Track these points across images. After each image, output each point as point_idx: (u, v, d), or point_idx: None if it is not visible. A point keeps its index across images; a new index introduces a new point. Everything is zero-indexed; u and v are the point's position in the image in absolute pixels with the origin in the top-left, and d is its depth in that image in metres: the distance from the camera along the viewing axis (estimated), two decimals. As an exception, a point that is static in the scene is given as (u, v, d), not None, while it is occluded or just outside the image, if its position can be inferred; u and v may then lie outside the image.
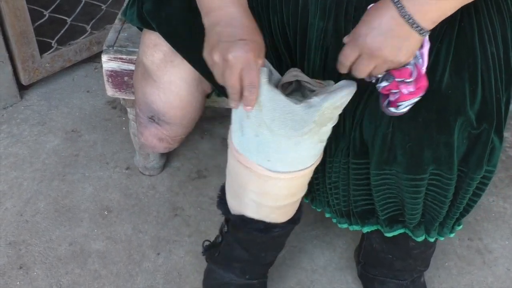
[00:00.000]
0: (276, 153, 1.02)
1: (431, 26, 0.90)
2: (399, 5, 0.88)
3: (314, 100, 0.95)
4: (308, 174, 1.09)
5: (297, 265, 1.47)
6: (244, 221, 1.16)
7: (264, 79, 0.93)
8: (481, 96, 1.01)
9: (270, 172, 1.05)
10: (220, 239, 1.27)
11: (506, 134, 1.80)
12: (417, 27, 0.89)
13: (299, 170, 1.06)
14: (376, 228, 1.22)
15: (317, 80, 1.02)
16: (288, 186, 1.10)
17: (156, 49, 1.11)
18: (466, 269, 1.49)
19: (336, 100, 0.96)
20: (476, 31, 1.00)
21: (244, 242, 1.22)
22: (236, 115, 1.03)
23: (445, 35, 1.00)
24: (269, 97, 0.94)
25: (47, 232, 1.52)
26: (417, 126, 1.02)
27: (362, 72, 0.95)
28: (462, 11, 1.00)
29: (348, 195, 1.17)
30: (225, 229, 1.22)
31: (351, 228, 1.24)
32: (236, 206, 1.16)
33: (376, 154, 1.06)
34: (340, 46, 1.02)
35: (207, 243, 1.34)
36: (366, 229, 1.23)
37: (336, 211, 1.23)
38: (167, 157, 1.70)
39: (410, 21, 0.88)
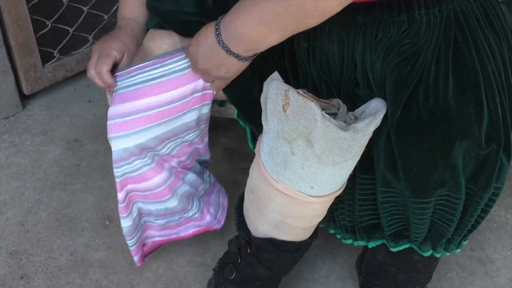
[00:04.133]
0: (320, 180, 1.03)
1: (247, 54, 1.00)
2: (217, 33, 0.99)
3: (360, 125, 0.97)
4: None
5: (298, 275, 1.46)
6: (274, 244, 1.17)
7: (319, 115, 0.94)
8: (488, 116, 1.01)
9: (312, 197, 1.06)
10: (239, 260, 1.26)
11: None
12: (232, 53, 0.99)
13: (336, 191, 1.08)
14: (381, 242, 1.22)
15: (323, 100, 1.02)
16: (324, 207, 1.12)
17: (169, 36, 1.14)
18: (468, 279, 1.48)
19: (378, 122, 0.99)
20: (473, 50, 0.99)
21: (268, 262, 1.22)
22: (277, 150, 1.03)
23: (440, 60, 0.99)
24: (323, 131, 0.96)
25: (48, 242, 1.52)
26: (422, 151, 1.01)
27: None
28: (455, 32, 0.99)
29: (353, 210, 1.17)
30: (248, 251, 1.22)
31: (356, 243, 1.24)
32: (263, 229, 1.16)
33: (382, 173, 1.06)
34: (329, 64, 1.03)
35: (216, 264, 1.34)
36: (371, 244, 1.22)
37: (341, 227, 1.22)
38: (169, 167, 1.70)
39: (226, 48, 0.99)
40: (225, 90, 1.14)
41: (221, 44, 0.99)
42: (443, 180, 1.04)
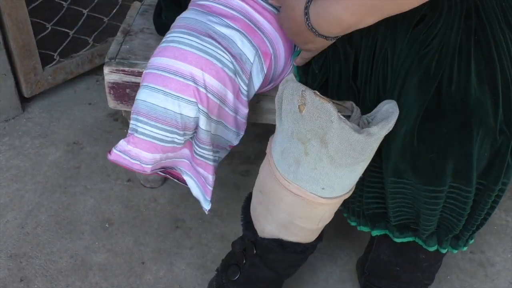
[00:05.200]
0: (331, 182, 1.03)
1: (336, 35, 1.02)
2: (306, 17, 1.00)
3: (374, 129, 0.97)
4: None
5: (299, 278, 1.46)
6: (281, 244, 1.17)
7: (335, 116, 0.95)
8: (502, 109, 1.02)
9: (322, 199, 1.06)
10: (243, 260, 1.25)
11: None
12: (320, 35, 1.02)
13: (345, 193, 1.08)
14: (385, 233, 1.22)
15: (337, 102, 1.03)
16: (332, 209, 1.12)
17: None
18: (468, 282, 1.48)
19: (391, 126, 0.99)
20: (492, 43, 1.01)
21: (274, 263, 1.22)
22: (290, 150, 1.03)
23: (462, 48, 1.01)
24: (339, 132, 0.96)
25: (48, 245, 1.52)
26: (441, 137, 1.02)
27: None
28: (476, 24, 1.01)
29: (362, 196, 1.18)
30: (253, 252, 1.22)
31: (359, 228, 1.24)
32: (271, 230, 1.16)
33: (393, 162, 1.06)
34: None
35: (218, 266, 1.33)
36: (375, 233, 1.22)
37: (349, 209, 1.23)
38: (169, 169, 1.71)
39: (314, 31, 1.01)
40: None
41: (309, 28, 1.01)
42: (457, 169, 1.04)
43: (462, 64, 1.01)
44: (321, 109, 0.95)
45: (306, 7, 1.00)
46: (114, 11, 2.02)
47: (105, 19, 2.01)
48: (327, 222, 1.16)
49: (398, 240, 1.20)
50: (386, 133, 1.00)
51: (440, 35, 1.01)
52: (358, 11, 0.94)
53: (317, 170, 1.01)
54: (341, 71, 1.09)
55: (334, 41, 1.05)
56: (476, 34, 1.01)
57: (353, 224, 1.25)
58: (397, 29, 1.03)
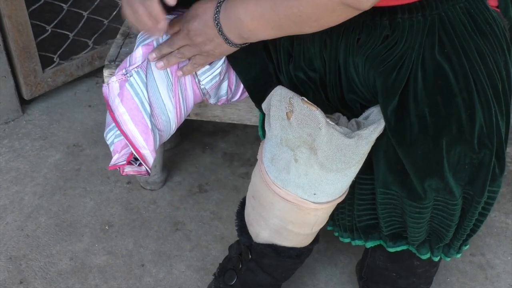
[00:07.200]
0: (322, 187, 1.03)
1: (237, 41, 1.02)
2: (217, 10, 1.00)
3: (364, 132, 0.97)
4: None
5: (299, 280, 1.46)
6: (275, 250, 1.17)
7: (323, 123, 0.94)
8: (481, 120, 0.99)
9: (314, 204, 1.06)
10: (240, 265, 1.25)
11: (507, 149, 1.80)
12: (222, 34, 1.01)
13: (338, 197, 1.08)
14: (379, 243, 1.22)
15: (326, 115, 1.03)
16: (326, 214, 1.12)
17: None
18: (468, 284, 1.48)
19: (381, 128, 0.99)
20: (462, 55, 0.98)
21: (269, 268, 1.22)
22: (280, 157, 1.02)
23: (424, 63, 0.98)
24: (328, 139, 0.95)
25: (47, 247, 1.52)
26: (416, 159, 1.01)
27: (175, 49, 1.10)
28: (441, 37, 0.98)
29: (352, 209, 1.17)
30: (249, 256, 1.22)
31: (353, 243, 1.24)
32: (265, 235, 1.16)
33: (383, 173, 1.06)
34: (313, 64, 1.05)
35: (216, 269, 1.33)
36: (369, 244, 1.22)
37: (340, 225, 1.22)
38: (168, 172, 1.70)
39: (219, 27, 1.01)
40: (241, 72, 1.15)
41: (216, 22, 1.01)
42: (437, 187, 1.04)
43: (429, 83, 0.98)
44: (309, 116, 0.95)
45: (220, 2, 1.01)
46: (114, 13, 2.02)
47: (105, 22, 2.01)
48: (321, 226, 1.16)
49: (391, 250, 1.20)
50: (377, 136, 0.99)
51: (400, 54, 0.98)
52: (258, 19, 0.96)
53: (308, 176, 1.01)
54: (311, 91, 1.09)
55: (234, 48, 1.04)
56: (446, 48, 0.98)
57: (346, 240, 1.24)
58: (355, 51, 1.01)
